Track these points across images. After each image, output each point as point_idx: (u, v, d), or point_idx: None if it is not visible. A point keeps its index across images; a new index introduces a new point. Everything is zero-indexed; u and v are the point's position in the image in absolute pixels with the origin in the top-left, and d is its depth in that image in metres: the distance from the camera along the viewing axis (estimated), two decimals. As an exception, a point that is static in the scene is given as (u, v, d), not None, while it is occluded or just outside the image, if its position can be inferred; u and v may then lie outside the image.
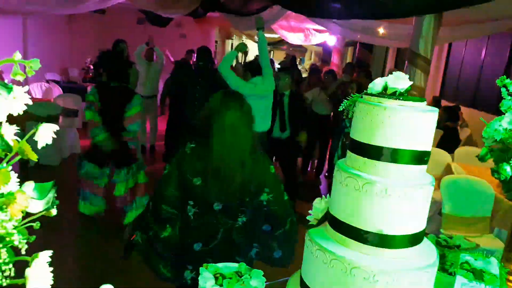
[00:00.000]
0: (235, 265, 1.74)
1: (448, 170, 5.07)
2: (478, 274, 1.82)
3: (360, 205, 1.29)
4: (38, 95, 7.65)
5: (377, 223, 1.28)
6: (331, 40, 10.98)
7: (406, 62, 6.01)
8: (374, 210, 1.27)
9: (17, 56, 0.69)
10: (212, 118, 1.78)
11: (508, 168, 1.76)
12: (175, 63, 7.50)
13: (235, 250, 1.88)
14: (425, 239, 1.45)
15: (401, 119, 1.24)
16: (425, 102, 1.32)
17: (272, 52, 23.39)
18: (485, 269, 1.87)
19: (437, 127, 5.15)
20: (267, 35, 15.21)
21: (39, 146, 0.78)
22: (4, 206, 0.62)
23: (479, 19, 6.12)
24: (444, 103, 7.84)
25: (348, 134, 4.58)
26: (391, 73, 1.31)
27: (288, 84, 4.89)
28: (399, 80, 1.26)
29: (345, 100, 1.37)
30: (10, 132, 0.66)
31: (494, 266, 1.91)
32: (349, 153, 1.38)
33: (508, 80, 2.01)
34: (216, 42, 12.68)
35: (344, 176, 1.33)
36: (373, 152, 1.28)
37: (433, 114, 1.28)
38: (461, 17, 5.42)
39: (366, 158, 1.30)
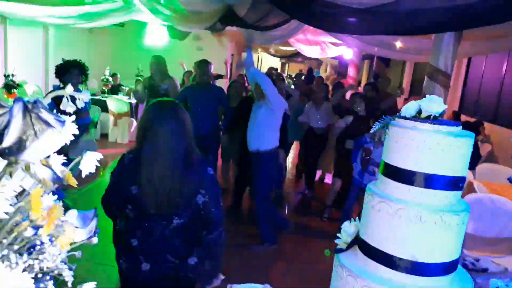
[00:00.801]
0: (260, 286, 1.72)
1: (470, 188, 4.96)
2: (510, 301, 1.76)
3: (393, 230, 1.26)
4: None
5: (411, 249, 1.25)
6: (347, 53, 10.95)
7: (426, 77, 5.96)
8: (408, 236, 1.24)
9: (69, 89, 0.69)
10: (146, 127, 1.86)
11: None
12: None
13: (170, 250, 1.92)
14: (459, 267, 1.41)
15: (436, 143, 1.21)
16: (461, 127, 1.29)
17: (287, 64, 23.48)
18: (517, 296, 1.80)
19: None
20: (283, 47, 15.12)
21: (83, 175, 0.78)
22: (54, 239, 0.61)
23: (500, 34, 6.05)
24: (463, 117, 7.73)
25: (368, 149, 4.51)
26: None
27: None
28: (434, 104, 1.23)
29: (376, 123, 1.34)
30: (58, 163, 0.65)
31: (526, 293, 1.84)
32: (381, 177, 1.35)
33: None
34: (232, 55, 12.75)
35: (376, 200, 1.31)
36: (407, 177, 1.25)
37: (468, 140, 1.25)
38: (481, 32, 5.35)
39: (399, 183, 1.27)
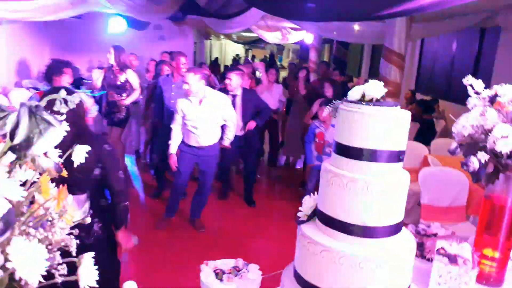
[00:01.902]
0: (233, 260, 1.89)
1: (425, 162, 5.30)
2: (452, 259, 2.01)
3: (345, 201, 1.45)
4: (18, 104, 7.56)
5: (361, 216, 1.44)
6: (308, 38, 11.17)
7: (381, 58, 6.25)
8: (358, 205, 1.43)
9: (62, 93, 0.80)
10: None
11: (475, 161, 1.94)
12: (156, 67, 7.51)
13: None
14: (404, 228, 1.61)
15: (378, 123, 1.39)
16: (399, 107, 1.48)
17: (250, 50, 23.57)
18: (459, 254, 2.05)
19: (414, 120, 5.35)
20: (245, 34, 15.17)
21: (75, 165, 0.91)
22: (59, 216, 0.74)
23: (449, 14, 6.38)
24: (419, 96, 8.12)
25: (321, 133, 4.76)
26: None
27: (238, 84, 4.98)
28: (375, 88, 1.41)
29: (328, 105, 1.51)
30: (56, 155, 0.78)
31: (467, 251, 2.09)
32: (333, 155, 1.53)
33: (473, 79, 2.20)
34: (195, 43, 12.74)
35: (330, 175, 1.49)
36: (355, 153, 1.44)
37: (406, 118, 1.45)
38: (432, 13, 5.66)
39: (348, 159, 1.45)
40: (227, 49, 21.78)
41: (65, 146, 2.03)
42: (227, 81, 4.95)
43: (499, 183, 2.04)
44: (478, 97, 2.09)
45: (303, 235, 1.53)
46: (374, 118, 1.40)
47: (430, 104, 7.41)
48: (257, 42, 16.76)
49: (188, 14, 7.27)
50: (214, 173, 4.73)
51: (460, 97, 7.70)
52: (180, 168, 4.50)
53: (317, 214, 1.58)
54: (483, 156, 1.93)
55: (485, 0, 5.37)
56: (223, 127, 4.56)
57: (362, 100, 1.45)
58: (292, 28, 10.04)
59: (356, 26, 8.20)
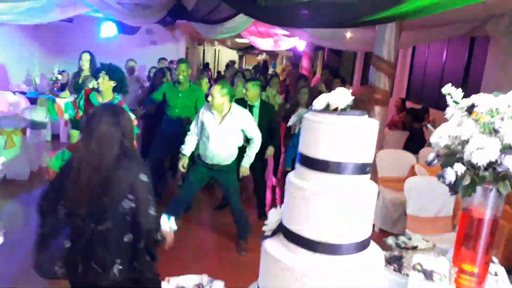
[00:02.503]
0: (197, 277, 1.80)
1: (412, 172, 5.24)
2: (428, 275, 1.93)
3: (308, 215, 1.37)
4: (4, 107, 7.48)
5: (324, 232, 1.36)
6: (300, 45, 11.15)
7: (371, 66, 6.20)
8: (321, 220, 1.35)
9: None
10: (84, 127, 1.95)
11: (452, 173, 1.87)
12: (154, 73, 7.38)
13: (94, 258, 1.91)
14: (373, 244, 1.54)
15: (342, 134, 1.32)
16: (366, 116, 1.40)
17: (244, 57, 23.51)
18: (435, 270, 1.97)
19: (403, 129, 5.28)
20: (239, 40, 15.14)
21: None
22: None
23: (439, 23, 6.36)
24: (410, 104, 8.09)
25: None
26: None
27: (257, 95, 4.80)
28: (340, 98, 1.34)
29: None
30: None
31: (444, 266, 2.02)
32: (298, 165, 1.45)
33: (452, 88, 2.14)
34: (187, 48, 12.67)
35: (293, 187, 1.41)
36: (318, 165, 1.36)
37: (372, 129, 1.37)
38: (422, 21, 5.63)
39: (312, 170, 1.38)
40: (221, 55, 21.74)
41: (104, 168, 1.84)
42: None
43: (477, 195, 1.97)
44: (456, 107, 2.03)
45: (265, 251, 1.45)
46: (338, 128, 1.32)
47: (420, 113, 7.38)
48: (251, 49, 16.71)
49: (177, 18, 7.22)
50: (237, 188, 4.33)
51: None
52: (190, 177, 4.23)
53: (282, 229, 1.50)
54: (459, 168, 1.86)
55: (474, 10, 5.35)
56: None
57: (327, 109, 1.38)
58: (284, 35, 10.00)
59: (348, 34, 8.17)
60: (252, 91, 4.70)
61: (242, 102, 4.72)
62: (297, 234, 1.40)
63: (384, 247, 2.70)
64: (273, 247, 1.46)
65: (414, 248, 2.63)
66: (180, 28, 10.47)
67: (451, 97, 2.09)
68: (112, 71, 4.22)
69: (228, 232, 4.68)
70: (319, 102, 1.38)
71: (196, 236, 4.67)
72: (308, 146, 1.38)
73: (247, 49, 17.30)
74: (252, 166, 4.53)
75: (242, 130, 4.09)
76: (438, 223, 4.41)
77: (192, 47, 12.95)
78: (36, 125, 6.69)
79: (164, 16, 6.60)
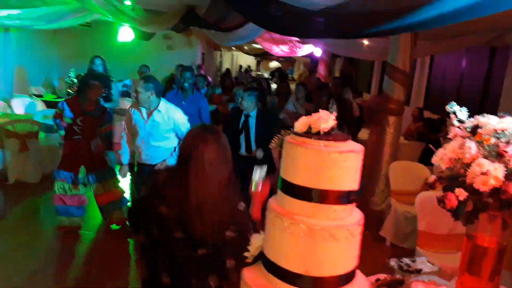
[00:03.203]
0: None
1: (425, 185, 5.06)
2: (426, 305, 1.81)
3: (287, 245, 1.28)
4: (20, 110, 7.60)
5: (304, 264, 1.27)
6: (317, 51, 11.04)
7: (385, 75, 6.06)
8: (299, 251, 1.26)
9: None
10: (190, 150, 1.79)
11: (453, 198, 1.75)
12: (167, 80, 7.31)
13: (191, 282, 1.82)
14: (359, 274, 1.43)
15: (324, 160, 1.23)
16: (350, 141, 1.31)
17: (260, 63, 23.46)
18: (434, 299, 1.85)
19: (420, 139, 5.12)
20: (254, 45, 15.14)
21: None
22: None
23: (458, 33, 6.18)
24: (428, 114, 7.88)
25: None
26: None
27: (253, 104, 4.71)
28: (322, 120, 1.25)
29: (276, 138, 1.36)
30: None
31: (444, 295, 1.90)
32: (279, 191, 1.37)
33: (456, 106, 2.02)
34: (203, 53, 12.70)
35: (272, 215, 1.32)
36: (298, 192, 1.27)
37: (356, 154, 1.28)
38: (439, 30, 5.47)
39: (291, 197, 1.29)
40: (238, 61, 21.73)
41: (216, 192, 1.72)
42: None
43: (481, 222, 1.84)
44: (460, 127, 1.91)
45: (244, 281, 1.37)
46: (319, 154, 1.23)
47: (437, 123, 7.18)
48: (268, 54, 16.68)
49: (189, 25, 7.22)
50: None
51: (470, 116, 7.42)
52: (135, 183, 4.21)
53: (262, 258, 1.41)
54: (461, 194, 1.74)
55: (493, 19, 5.17)
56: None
57: (308, 132, 1.29)
58: (299, 41, 9.92)
59: (364, 43, 8.03)
60: (248, 101, 4.63)
61: (238, 111, 4.72)
62: (276, 264, 1.31)
63: (387, 268, 2.60)
64: (252, 277, 1.38)
65: (418, 271, 2.51)
66: (196, 34, 10.50)
67: (456, 116, 1.98)
68: (99, 79, 4.38)
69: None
70: (300, 124, 1.29)
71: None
72: (288, 171, 1.30)
73: (264, 54, 17.26)
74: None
75: (175, 129, 3.99)
76: (452, 241, 4.23)
77: (208, 52, 12.97)
78: (49, 129, 6.77)
79: (176, 22, 6.60)
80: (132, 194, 4.81)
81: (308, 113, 4.69)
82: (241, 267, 1.78)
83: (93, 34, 10.99)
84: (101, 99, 4.58)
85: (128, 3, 5.98)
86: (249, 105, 4.63)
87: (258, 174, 2.02)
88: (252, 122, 4.70)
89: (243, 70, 19.59)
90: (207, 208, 1.75)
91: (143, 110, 3.95)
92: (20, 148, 6.15)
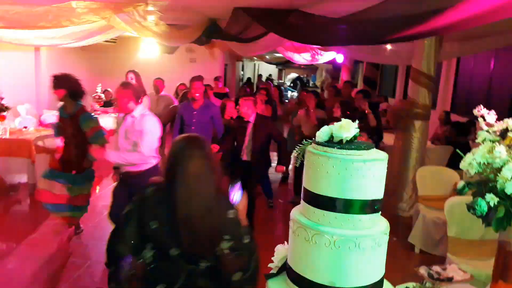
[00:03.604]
0: None
1: (454, 190, 4.93)
2: (459, 315, 1.75)
3: (311, 256, 1.27)
4: (50, 126, 7.83)
5: (328, 275, 1.25)
6: (339, 57, 10.97)
7: (410, 80, 5.97)
8: (324, 262, 1.25)
9: None
10: (176, 164, 1.78)
11: (484, 204, 1.70)
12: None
13: None
14: (387, 284, 1.41)
15: (345, 169, 1.22)
16: (373, 149, 1.29)
17: (283, 71, 23.51)
18: (467, 309, 1.80)
19: (448, 143, 4.98)
20: (277, 54, 15.15)
21: None
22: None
23: (485, 33, 6.04)
24: (455, 117, 7.69)
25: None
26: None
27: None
28: (343, 129, 1.24)
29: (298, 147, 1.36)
30: None
31: (478, 305, 1.84)
32: (302, 202, 1.36)
33: (485, 110, 1.97)
34: (226, 65, 12.82)
35: (296, 226, 1.32)
36: (322, 202, 1.26)
37: (380, 163, 1.26)
38: (466, 32, 5.35)
39: (315, 208, 1.28)
40: (260, 70, 21.85)
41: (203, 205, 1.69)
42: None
43: (514, 228, 1.78)
44: (489, 131, 1.86)
45: (268, 292, 1.36)
46: (341, 163, 1.22)
47: (466, 126, 6.99)
48: (290, 62, 16.69)
49: (211, 38, 7.31)
50: None
51: (500, 119, 7.20)
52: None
53: (287, 269, 1.40)
54: (492, 199, 1.69)
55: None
56: None
57: (330, 141, 1.28)
58: (321, 49, 9.88)
59: (388, 46, 7.94)
60: (245, 107, 4.68)
61: (239, 118, 4.77)
62: (301, 275, 1.30)
63: (417, 276, 2.53)
64: None
65: (449, 279, 2.43)
66: (218, 46, 10.62)
67: (484, 119, 1.93)
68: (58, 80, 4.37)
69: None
70: (322, 133, 1.28)
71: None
72: (311, 181, 1.29)
73: (286, 63, 17.28)
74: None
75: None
76: (484, 247, 4.08)
77: (231, 63, 13.08)
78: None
79: (199, 35, 6.70)
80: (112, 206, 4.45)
81: (318, 120, 4.63)
82: (251, 279, 1.77)
83: (118, 50, 11.29)
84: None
85: (151, 18, 6.11)
86: (246, 111, 4.68)
87: (235, 195, 1.99)
88: (251, 127, 4.74)
89: (263, 79, 19.71)
90: (195, 222, 1.72)
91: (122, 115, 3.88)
92: (50, 164, 6.33)
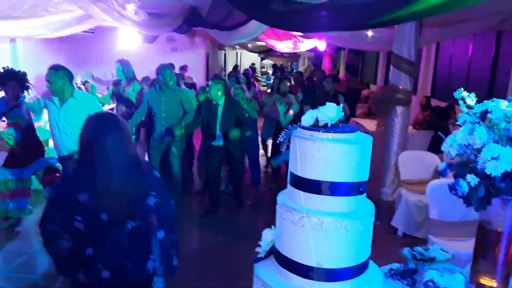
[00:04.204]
0: None
1: (435, 174, 5.04)
2: (441, 293, 1.81)
3: (298, 239, 1.29)
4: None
5: (316, 257, 1.27)
6: (321, 45, 10.99)
7: (391, 65, 6.03)
8: (312, 244, 1.27)
9: None
10: (91, 141, 1.90)
11: (464, 184, 1.74)
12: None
13: (125, 255, 1.96)
14: (372, 265, 1.44)
15: (331, 152, 1.23)
16: (358, 132, 1.31)
17: (265, 59, 23.43)
18: (448, 286, 1.85)
19: (429, 128, 5.07)
20: (258, 43, 15.08)
21: None
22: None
23: (463, 18, 6.11)
24: (436, 102, 7.82)
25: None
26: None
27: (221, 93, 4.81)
28: (328, 113, 1.25)
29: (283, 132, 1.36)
30: None
31: (459, 283, 1.89)
32: (288, 186, 1.37)
33: (465, 92, 2.01)
34: (208, 54, 12.71)
35: (283, 209, 1.33)
36: (308, 185, 1.28)
37: (365, 145, 1.28)
38: (445, 17, 5.40)
39: (301, 191, 1.30)
40: (242, 58, 21.76)
41: (128, 171, 1.86)
42: None
43: (494, 207, 1.83)
44: (469, 113, 1.90)
45: (257, 276, 1.38)
46: (327, 146, 1.24)
47: (446, 111, 7.11)
48: (272, 51, 16.64)
49: (192, 26, 7.22)
50: None
51: (479, 102, 7.34)
52: None
53: (274, 252, 1.42)
54: (472, 179, 1.73)
55: (499, 3, 5.11)
56: None
57: (315, 125, 1.29)
58: (303, 36, 9.87)
59: (369, 33, 7.98)
60: (214, 90, 4.76)
61: (209, 101, 4.84)
62: (288, 258, 1.32)
63: (400, 257, 2.58)
64: (265, 271, 1.39)
65: (432, 259, 2.49)
66: (200, 34, 10.51)
67: (464, 102, 1.97)
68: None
69: (223, 237, 4.67)
70: (308, 118, 1.29)
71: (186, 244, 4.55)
72: (297, 165, 1.30)
73: (268, 51, 17.22)
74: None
75: None
76: (464, 228, 4.19)
77: (212, 52, 12.98)
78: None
79: (180, 24, 6.61)
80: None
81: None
82: (173, 242, 1.95)
83: (97, 40, 11.07)
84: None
85: (130, 7, 6.00)
86: (215, 94, 4.74)
87: None
88: (220, 110, 4.80)
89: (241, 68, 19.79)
90: (116, 192, 1.86)
91: (56, 99, 3.97)
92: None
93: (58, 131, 4.04)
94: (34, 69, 9.72)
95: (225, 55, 18.82)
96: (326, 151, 1.21)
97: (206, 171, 5.17)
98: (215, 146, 4.89)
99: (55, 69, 3.99)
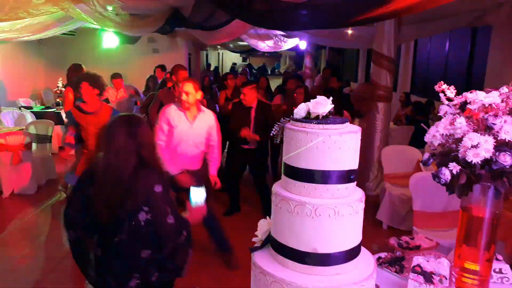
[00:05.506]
0: None
1: (418, 167, 5.18)
2: (428, 277, 1.90)
3: (294, 226, 1.35)
4: (9, 123, 7.57)
5: (311, 242, 1.33)
6: (302, 44, 11.11)
7: (372, 63, 6.16)
8: (307, 230, 1.33)
9: None
10: (103, 139, 1.94)
11: (447, 172, 1.83)
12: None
13: (110, 272, 1.90)
14: (364, 250, 1.51)
15: (323, 142, 1.30)
16: (347, 123, 1.38)
17: (248, 59, 23.51)
18: (435, 271, 1.94)
19: (409, 123, 5.20)
20: (241, 42, 15.15)
21: None
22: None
23: (440, 15, 6.29)
24: (415, 98, 8.01)
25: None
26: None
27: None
28: (320, 105, 1.32)
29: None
30: None
31: (445, 267, 1.98)
32: (282, 176, 1.43)
33: (444, 85, 2.10)
34: (189, 54, 12.70)
35: (279, 199, 1.39)
36: (301, 175, 1.34)
37: (354, 135, 1.35)
38: (422, 14, 5.56)
39: (295, 181, 1.36)
40: (224, 59, 21.78)
41: (122, 179, 1.81)
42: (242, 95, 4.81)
43: (475, 193, 1.93)
44: (449, 105, 1.99)
45: (254, 264, 1.44)
46: (319, 137, 1.30)
47: (425, 106, 7.30)
48: (254, 51, 16.69)
49: (175, 26, 7.23)
50: None
51: (458, 95, 7.52)
52: None
53: (270, 241, 1.48)
54: (454, 167, 1.82)
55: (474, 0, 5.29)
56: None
57: (307, 117, 1.36)
58: (284, 35, 9.97)
59: (349, 31, 8.12)
60: (250, 94, 4.78)
61: (240, 104, 4.85)
62: (285, 245, 1.38)
63: (387, 247, 2.68)
64: (262, 259, 1.44)
65: (417, 247, 2.59)
66: (181, 35, 10.50)
67: (444, 95, 2.06)
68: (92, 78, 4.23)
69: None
70: (300, 110, 1.36)
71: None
72: (291, 156, 1.36)
73: (250, 51, 17.29)
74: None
75: None
76: (447, 218, 4.34)
77: (194, 53, 12.97)
78: (41, 139, 6.76)
79: (162, 25, 6.61)
80: None
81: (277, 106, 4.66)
82: (160, 265, 1.88)
83: (77, 42, 10.95)
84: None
85: (111, 8, 5.98)
86: (251, 97, 4.79)
87: (196, 198, 2.10)
88: (252, 113, 4.85)
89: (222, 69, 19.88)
90: (106, 192, 1.85)
91: None
92: (13, 161, 6.14)
93: None
94: (13, 72, 9.59)
95: (207, 55, 18.81)
96: (318, 141, 1.28)
97: (230, 172, 5.14)
98: (245, 149, 4.88)
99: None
